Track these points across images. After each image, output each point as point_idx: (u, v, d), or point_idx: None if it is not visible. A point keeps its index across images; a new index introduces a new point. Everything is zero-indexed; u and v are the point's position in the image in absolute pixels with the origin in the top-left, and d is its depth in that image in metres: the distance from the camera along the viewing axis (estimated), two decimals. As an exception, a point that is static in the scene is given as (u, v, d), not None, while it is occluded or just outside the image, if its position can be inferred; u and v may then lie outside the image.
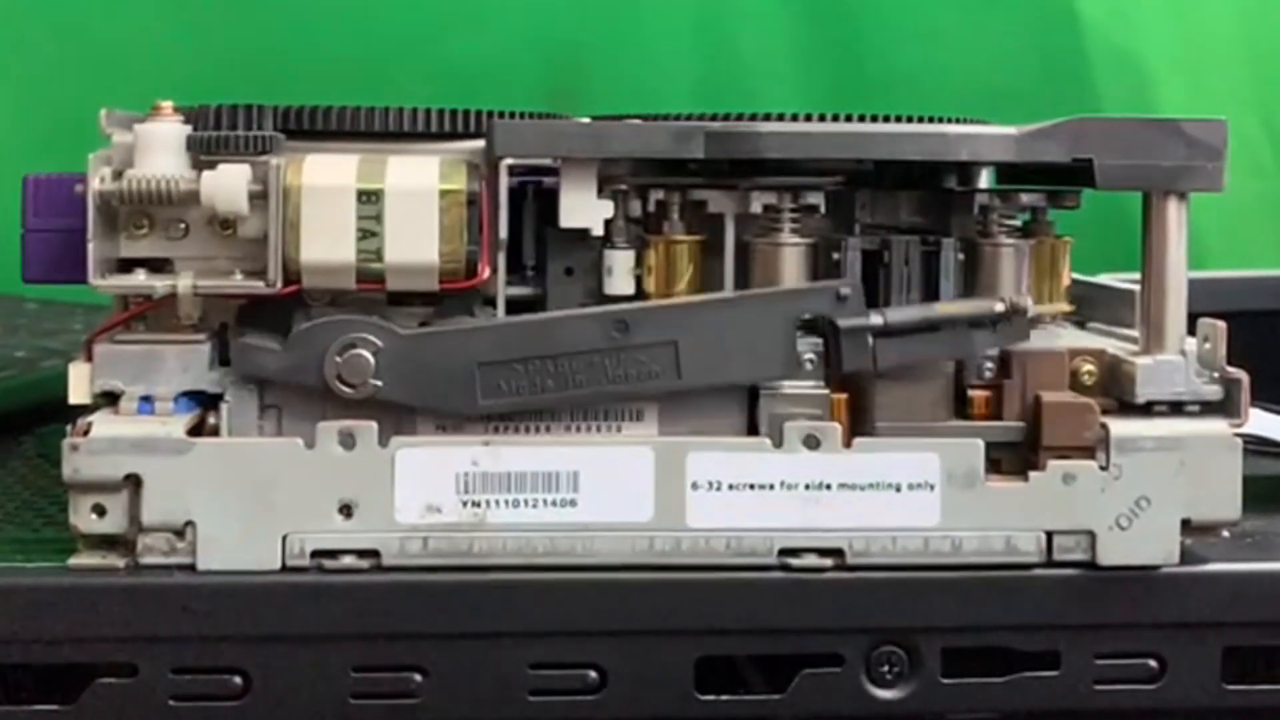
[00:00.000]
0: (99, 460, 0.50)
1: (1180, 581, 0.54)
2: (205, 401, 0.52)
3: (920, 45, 1.01)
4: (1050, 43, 1.03)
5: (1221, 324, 0.54)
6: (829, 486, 0.53)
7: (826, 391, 0.54)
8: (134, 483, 0.51)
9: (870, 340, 0.53)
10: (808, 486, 0.53)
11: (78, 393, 0.51)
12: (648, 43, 1.00)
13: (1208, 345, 0.54)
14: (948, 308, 0.54)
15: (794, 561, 0.53)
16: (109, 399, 0.52)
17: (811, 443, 0.53)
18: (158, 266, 0.52)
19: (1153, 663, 0.54)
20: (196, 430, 0.52)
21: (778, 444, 0.53)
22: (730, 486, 0.52)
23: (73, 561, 0.51)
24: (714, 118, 0.54)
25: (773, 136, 0.53)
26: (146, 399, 0.51)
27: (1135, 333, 0.57)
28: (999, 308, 0.53)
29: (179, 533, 0.51)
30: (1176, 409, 0.54)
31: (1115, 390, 0.55)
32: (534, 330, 0.52)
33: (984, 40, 1.02)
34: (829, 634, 0.53)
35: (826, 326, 0.53)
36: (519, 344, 0.52)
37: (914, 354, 0.53)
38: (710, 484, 0.52)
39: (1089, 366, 0.55)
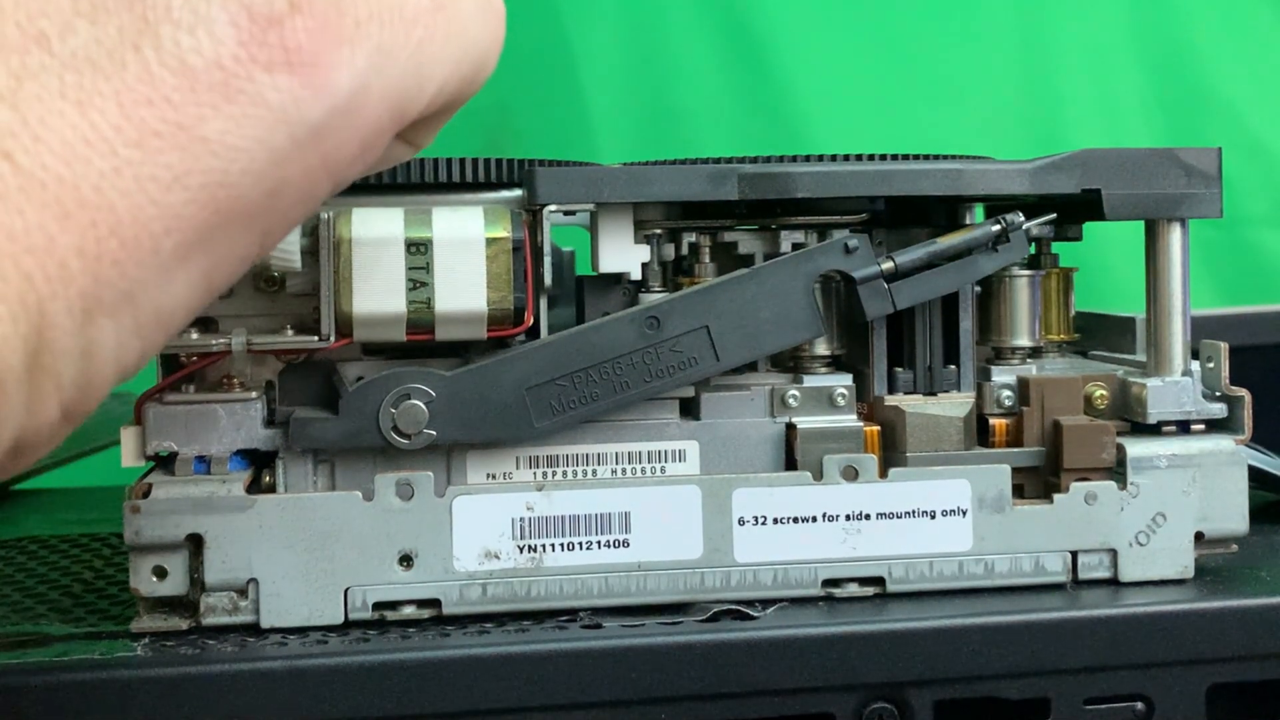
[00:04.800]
0: (161, 521, 0.50)
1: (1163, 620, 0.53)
2: (256, 458, 0.52)
3: (842, 87, 1.04)
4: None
5: (1223, 344, 0.56)
6: (868, 516, 0.54)
7: (860, 425, 0.55)
8: (194, 542, 0.50)
9: (885, 285, 0.55)
10: (848, 517, 0.54)
11: (130, 456, 0.51)
12: (579, 98, 1.01)
13: (1210, 365, 0.57)
14: (948, 239, 0.55)
15: (837, 592, 0.54)
16: (161, 461, 0.51)
17: (850, 474, 0.54)
18: (203, 326, 0.52)
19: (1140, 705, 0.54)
20: (252, 488, 0.51)
21: (818, 477, 0.54)
22: (775, 520, 0.53)
23: (135, 625, 0.51)
24: (749, 160, 0.55)
25: (804, 176, 0.54)
26: (201, 459, 0.51)
27: (1136, 358, 0.59)
28: (995, 229, 0.55)
29: (241, 591, 0.51)
30: (1184, 427, 0.56)
31: (1125, 412, 0.57)
32: (572, 344, 0.53)
33: (900, 78, 1.06)
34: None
35: (843, 281, 0.55)
36: (561, 361, 0.53)
37: (928, 290, 0.55)
38: (756, 519, 0.53)
39: (1101, 390, 0.57)
